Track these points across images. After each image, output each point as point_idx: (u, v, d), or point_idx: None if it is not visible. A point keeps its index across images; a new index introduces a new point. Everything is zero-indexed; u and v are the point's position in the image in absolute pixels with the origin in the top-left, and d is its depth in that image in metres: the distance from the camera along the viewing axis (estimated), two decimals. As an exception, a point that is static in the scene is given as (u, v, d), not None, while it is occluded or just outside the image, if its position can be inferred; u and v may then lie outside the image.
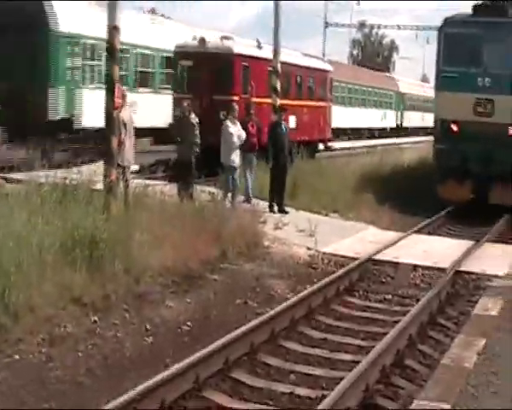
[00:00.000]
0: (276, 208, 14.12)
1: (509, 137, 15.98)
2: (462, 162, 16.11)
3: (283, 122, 14.96)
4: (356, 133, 41.12)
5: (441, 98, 17.34)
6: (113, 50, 10.17)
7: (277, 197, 14.29)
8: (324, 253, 11.47)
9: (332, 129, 29.63)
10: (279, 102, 17.26)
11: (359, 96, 42.93)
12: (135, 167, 15.32)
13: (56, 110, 20.08)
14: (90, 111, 19.86)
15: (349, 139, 38.86)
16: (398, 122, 49.82)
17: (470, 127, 16.26)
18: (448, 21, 17.34)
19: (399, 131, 48.64)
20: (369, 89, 44.44)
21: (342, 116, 36.31)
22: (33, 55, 19.44)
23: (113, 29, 10.05)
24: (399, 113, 49.81)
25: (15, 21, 18.94)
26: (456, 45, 16.86)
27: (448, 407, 5.43)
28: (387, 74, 58.41)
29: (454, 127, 16.50)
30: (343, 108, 38.31)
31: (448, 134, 16.54)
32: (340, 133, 36.14)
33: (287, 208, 14.21)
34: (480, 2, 17.30)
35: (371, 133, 43.73)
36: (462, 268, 10.82)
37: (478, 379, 6.01)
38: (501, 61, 16.52)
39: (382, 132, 45.44)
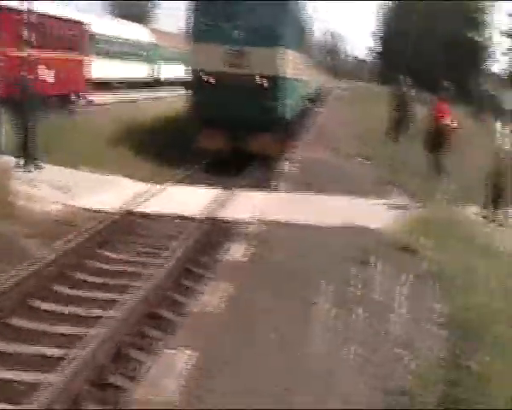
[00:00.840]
0: (28, 165, 13.48)
1: (260, 88, 16.43)
2: (216, 112, 16.33)
3: (28, 75, 14.26)
4: (117, 86, 40.34)
5: (195, 49, 17.28)
6: None
7: (29, 153, 13.64)
8: (81, 208, 11.16)
9: (93, 82, 28.85)
10: (26, 54, 16.27)
11: (117, 48, 42.07)
12: None
13: None
14: None
15: (110, 92, 38.04)
16: (156, 74, 49.68)
17: (224, 78, 16.44)
18: None
19: (158, 83, 48.54)
20: (128, 41, 43.71)
21: (102, 69, 35.47)
22: None
23: None
24: (156, 65, 49.72)
25: None
26: None
27: (192, 351, 5.59)
28: (145, 26, 57.75)
29: (207, 78, 16.61)
30: (103, 60, 37.35)
31: (202, 85, 16.61)
32: (101, 87, 35.23)
33: (42, 165, 13.63)
34: None
35: (131, 86, 43.17)
36: (216, 215, 11.17)
37: (224, 323, 6.26)
38: (252, 13, 16.68)
39: (142, 85, 45.04)
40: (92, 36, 35.73)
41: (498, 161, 12.08)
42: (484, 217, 11.73)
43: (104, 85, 37.90)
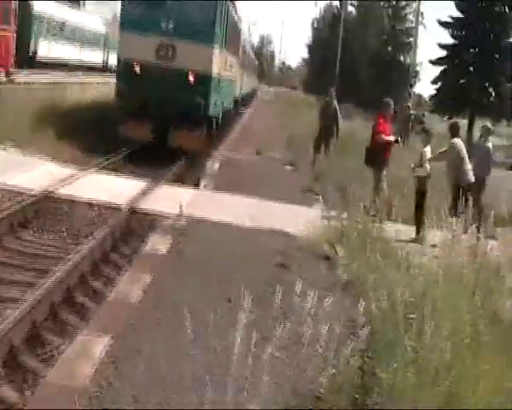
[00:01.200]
0: None
1: (188, 83, 16.41)
2: (142, 103, 16.17)
3: None
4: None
5: (124, 38, 17.07)
6: None
7: None
8: (-1, 186, 10.91)
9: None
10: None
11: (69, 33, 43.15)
12: None
13: None
14: None
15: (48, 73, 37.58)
16: (105, 61, 51.04)
17: (152, 70, 16.35)
18: None
19: (108, 70, 48.88)
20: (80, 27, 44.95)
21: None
22: None
23: None
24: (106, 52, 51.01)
25: None
26: None
27: (108, 338, 5.62)
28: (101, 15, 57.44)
29: (136, 68, 16.40)
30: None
31: (130, 74, 16.42)
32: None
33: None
34: None
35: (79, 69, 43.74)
36: (138, 207, 11.13)
37: (140, 312, 6.31)
38: (184, 7, 16.60)
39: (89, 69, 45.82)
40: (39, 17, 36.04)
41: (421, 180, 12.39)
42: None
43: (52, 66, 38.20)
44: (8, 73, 27.10)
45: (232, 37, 22.59)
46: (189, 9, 16.72)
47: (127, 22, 16.90)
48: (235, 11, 24.54)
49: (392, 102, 14.10)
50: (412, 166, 12.89)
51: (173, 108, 16.25)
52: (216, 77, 17.77)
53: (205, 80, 16.73)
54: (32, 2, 36.25)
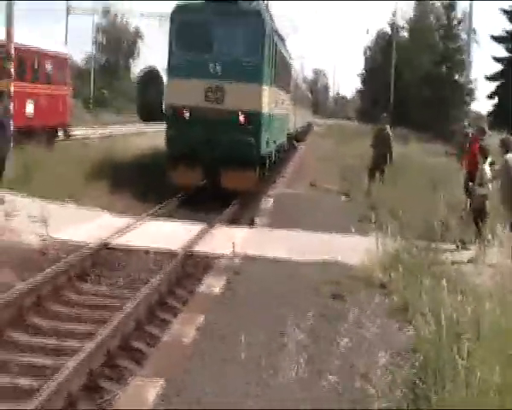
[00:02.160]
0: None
1: (238, 124, 16.63)
2: (192, 147, 16.43)
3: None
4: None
5: (172, 84, 17.43)
6: None
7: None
8: (58, 240, 11.31)
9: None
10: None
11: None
12: None
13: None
14: None
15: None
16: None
17: (200, 113, 16.60)
18: (179, 7, 17.37)
19: None
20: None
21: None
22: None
23: None
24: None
25: None
26: (188, 31, 17.00)
27: (162, 381, 5.74)
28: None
29: (184, 113, 16.69)
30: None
31: (178, 120, 16.70)
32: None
33: (19, 196, 13.85)
34: None
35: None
36: (193, 250, 11.33)
37: (194, 352, 6.42)
38: (230, 49, 16.97)
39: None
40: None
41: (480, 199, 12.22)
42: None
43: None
44: (66, 130, 28.06)
45: (282, 73, 22.78)
46: (235, 49, 17.04)
47: (174, 68, 17.24)
48: (284, 47, 24.81)
49: (486, 127, 14.22)
50: (470, 184, 12.76)
51: (224, 150, 16.43)
52: (266, 115, 17.91)
53: (255, 119, 16.89)
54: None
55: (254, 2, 18.54)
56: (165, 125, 17.68)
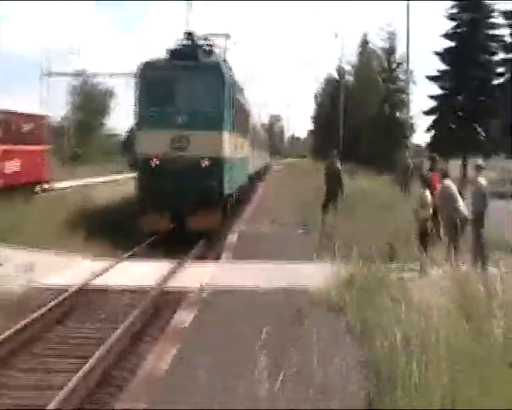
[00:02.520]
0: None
1: (201, 169, 16.76)
2: (159, 193, 16.48)
3: None
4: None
5: (141, 135, 17.51)
6: None
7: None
8: (41, 285, 11.31)
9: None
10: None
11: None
12: None
13: None
14: None
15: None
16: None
17: (167, 161, 16.70)
18: (145, 64, 17.54)
19: None
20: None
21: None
22: None
23: None
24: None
25: None
26: (153, 86, 17.16)
27: (145, 406, 5.82)
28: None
29: (152, 161, 16.78)
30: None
31: (147, 168, 16.78)
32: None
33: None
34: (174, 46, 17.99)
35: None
36: (166, 286, 11.42)
37: (169, 380, 6.51)
38: (193, 101, 17.12)
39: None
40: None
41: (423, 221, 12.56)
42: None
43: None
44: (45, 185, 28.08)
45: (241, 119, 23.01)
46: (197, 100, 17.21)
47: (142, 121, 17.39)
48: (242, 95, 25.12)
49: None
50: (414, 208, 13.10)
51: (190, 194, 16.51)
52: (227, 159, 18.08)
53: (217, 163, 17.05)
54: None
55: (214, 57, 18.92)
56: (137, 173, 17.72)
